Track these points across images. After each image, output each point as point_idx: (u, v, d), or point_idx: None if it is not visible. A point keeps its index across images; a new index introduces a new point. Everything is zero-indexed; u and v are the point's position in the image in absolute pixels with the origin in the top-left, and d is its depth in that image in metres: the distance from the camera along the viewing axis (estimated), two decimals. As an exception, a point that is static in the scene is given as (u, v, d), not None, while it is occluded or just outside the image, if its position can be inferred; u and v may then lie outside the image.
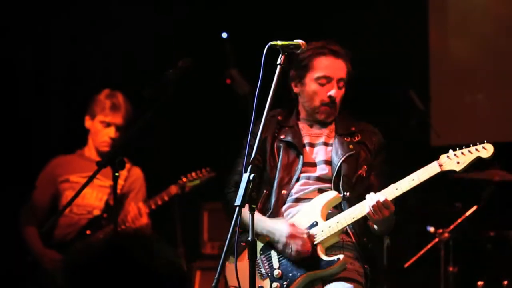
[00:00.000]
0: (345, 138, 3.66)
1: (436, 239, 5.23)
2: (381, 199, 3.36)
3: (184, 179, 4.78)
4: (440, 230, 5.21)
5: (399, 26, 6.07)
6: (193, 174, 4.81)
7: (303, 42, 3.25)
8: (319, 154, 3.67)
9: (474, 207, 5.18)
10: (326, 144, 3.68)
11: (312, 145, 3.70)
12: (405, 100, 5.57)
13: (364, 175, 3.62)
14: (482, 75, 6.16)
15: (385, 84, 5.73)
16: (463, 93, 6.20)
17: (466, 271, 5.32)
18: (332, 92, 3.64)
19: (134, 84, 4.75)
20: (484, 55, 6.16)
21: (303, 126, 3.74)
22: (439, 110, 6.14)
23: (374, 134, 3.72)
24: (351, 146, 3.63)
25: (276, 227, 3.52)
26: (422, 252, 5.31)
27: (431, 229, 5.27)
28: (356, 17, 6.01)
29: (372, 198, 3.38)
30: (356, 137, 3.68)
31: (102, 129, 4.79)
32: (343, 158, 3.59)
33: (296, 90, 3.74)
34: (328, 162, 3.64)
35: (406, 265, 5.36)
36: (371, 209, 3.37)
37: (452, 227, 5.20)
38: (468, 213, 5.19)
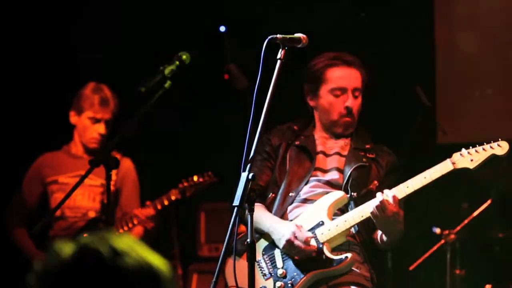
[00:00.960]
0: (360, 152, 3.74)
1: (442, 241, 5.24)
2: (390, 194, 3.38)
3: (185, 183, 4.73)
4: (446, 231, 5.22)
5: (403, 18, 6.07)
6: (195, 177, 4.77)
7: (304, 36, 3.27)
8: (331, 162, 3.74)
9: (488, 202, 5.17)
10: (340, 154, 3.76)
11: (326, 154, 3.77)
12: (410, 96, 5.58)
13: (374, 189, 3.65)
14: (491, 69, 6.16)
15: (389, 80, 5.74)
16: (471, 88, 6.20)
17: (473, 274, 5.34)
18: (348, 103, 3.70)
19: (128, 79, 4.76)
20: (493, 48, 6.16)
21: (318, 137, 3.81)
22: (446, 106, 6.15)
23: (389, 155, 3.80)
24: (364, 159, 3.71)
25: (279, 226, 3.56)
26: (427, 254, 5.32)
27: (437, 230, 5.28)
28: (358, 10, 6.02)
29: (380, 195, 3.40)
30: (370, 154, 3.75)
31: (90, 125, 4.77)
32: (355, 166, 3.66)
33: (312, 104, 3.82)
34: (340, 170, 3.71)
35: (411, 268, 5.37)
36: (378, 204, 3.38)
37: (458, 228, 5.21)
38: (475, 214, 5.20)
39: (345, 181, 3.65)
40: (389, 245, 3.59)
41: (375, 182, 3.68)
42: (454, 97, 6.21)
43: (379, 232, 3.58)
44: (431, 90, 6.02)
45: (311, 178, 3.69)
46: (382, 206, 3.37)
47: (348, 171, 3.66)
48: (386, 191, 3.42)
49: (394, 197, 3.38)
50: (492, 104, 6.13)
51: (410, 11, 6.10)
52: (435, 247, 5.28)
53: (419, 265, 5.36)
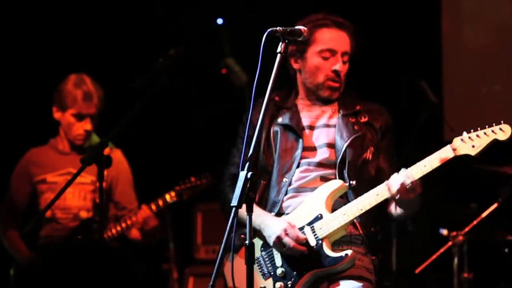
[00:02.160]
0: (350, 119, 3.65)
1: (450, 243, 5.23)
2: (407, 182, 3.33)
3: (182, 186, 4.69)
4: (454, 233, 5.21)
5: (409, 11, 6.06)
6: (192, 179, 4.72)
7: (305, 28, 3.25)
8: (320, 137, 3.65)
9: (494, 205, 5.16)
10: (328, 125, 3.67)
11: (312, 128, 3.68)
12: (416, 92, 5.57)
13: (370, 158, 3.59)
14: (499, 64, 6.15)
15: (395, 75, 5.73)
16: (479, 84, 6.19)
17: (481, 277, 5.33)
18: (337, 66, 3.63)
19: (123, 74, 4.75)
20: (501, 42, 6.15)
21: (302, 106, 3.72)
22: (453, 103, 6.14)
23: (381, 113, 3.70)
24: (356, 127, 3.62)
25: (270, 222, 3.51)
26: (434, 256, 5.31)
27: (444, 231, 5.27)
28: (362, 1, 6.01)
29: (396, 181, 3.34)
30: (362, 118, 3.67)
31: (75, 122, 4.73)
32: (348, 141, 3.58)
33: (296, 66, 3.72)
34: (331, 145, 3.61)
35: (417, 271, 5.36)
36: (398, 190, 3.33)
37: (467, 229, 5.20)
38: (484, 215, 5.18)
39: (339, 159, 3.56)
40: (408, 217, 3.55)
41: (371, 148, 3.61)
42: (461, 93, 6.20)
43: (393, 207, 3.53)
44: (438, 85, 6.01)
45: (302, 161, 3.60)
46: (400, 194, 3.33)
47: (341, 146, 3.57)
48: (403, 172, 3.36)
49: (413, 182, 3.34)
50: (500, 100, 6.12)
51: (417, 5, 6.09)
52: (442, 249, 5.27)
53: (425, 268, 5.34)
